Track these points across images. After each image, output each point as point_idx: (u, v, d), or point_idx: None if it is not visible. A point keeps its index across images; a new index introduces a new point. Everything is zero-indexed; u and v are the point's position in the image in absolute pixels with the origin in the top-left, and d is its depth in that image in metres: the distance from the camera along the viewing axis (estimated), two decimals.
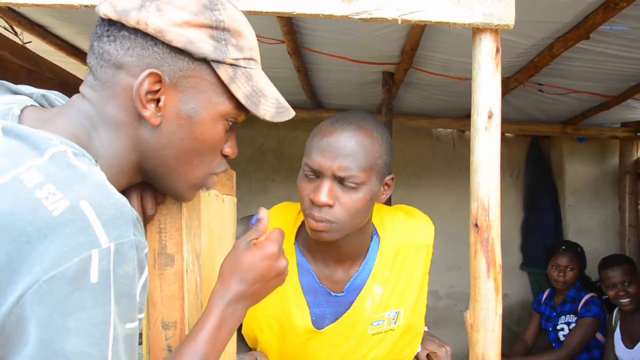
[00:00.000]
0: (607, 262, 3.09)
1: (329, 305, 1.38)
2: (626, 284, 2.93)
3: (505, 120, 4.10)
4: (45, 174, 0.63)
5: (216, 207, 1.23)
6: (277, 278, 0.96)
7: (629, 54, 2.55)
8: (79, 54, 3.08)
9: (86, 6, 1.12)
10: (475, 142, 1.13)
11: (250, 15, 0.97)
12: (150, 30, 0.75)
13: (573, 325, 3.36)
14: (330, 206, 1.19)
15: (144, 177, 0.87)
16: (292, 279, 1.36)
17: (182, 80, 0.78)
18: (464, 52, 2.61)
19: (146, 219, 0.95)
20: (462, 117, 4.06)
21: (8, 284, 0.58)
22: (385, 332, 1.41)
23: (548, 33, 2.32)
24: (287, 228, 1.42)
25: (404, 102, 3.65)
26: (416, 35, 2.35)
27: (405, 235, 1.41)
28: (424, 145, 4.38)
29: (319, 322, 1.38)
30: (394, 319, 1.41)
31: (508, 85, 3.03)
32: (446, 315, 4.27)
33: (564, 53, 2.47)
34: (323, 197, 1.17)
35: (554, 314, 3.50)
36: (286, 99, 0.89)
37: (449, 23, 1.10)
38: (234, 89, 0.80)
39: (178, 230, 1.04)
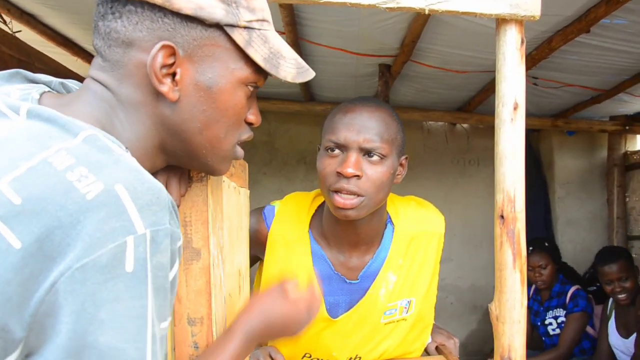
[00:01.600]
0: (603, 258, 3.10)
1: (343, 293, 1.38)
2: (623, 279, 2.96)
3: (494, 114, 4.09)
4: (76, 156, 0.60)
5: (235, 199, 1.21)
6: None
7: (626, 47, 2.58)
8: (69, 45, 3.00)
9: None
10: (500, 133, 1.12)
11: None
12: (158, 0, 0.71)
13: (561, 319, 3.38)
14: (358, 177, 1.21)
15: (168, 159, 0.84)
16: (307, 267, 1.36)
17: (196, 50, 0.74)
18: (463, 45, 2.62)
19: None
20: (454, 110, 4.07)
21: (41, 270, 0.55)
22: (397, 321, 1.42)
23: (549, 26, 2.33)
24: (300, 216, 1.41)
25: (397, 94, 3.64)
26: (418, 26, 2.34)
27: (418, 223, 1.43)
28: (415, 138, 4.39)
29: (333, 311, 1.38)
30: (406, 307, 1.42)
31: None
32: (437, 308, 4.29)
33: (562, 46, 2.49)
34: (352, 167, 1.19)
35: (542, 308, 3.52)
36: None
37: (476, 13, 1.09)
38: (251, 52, 0.76)
39: (204, 224, 1.02)
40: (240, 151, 0.87)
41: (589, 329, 3.36)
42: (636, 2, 2.04)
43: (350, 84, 3.47)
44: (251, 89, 0.81)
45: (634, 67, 2.88)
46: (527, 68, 2.82)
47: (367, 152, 1.22)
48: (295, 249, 1.39)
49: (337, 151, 1.24)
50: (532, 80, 3.19)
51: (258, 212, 1.44)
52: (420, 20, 2.27)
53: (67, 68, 3.03)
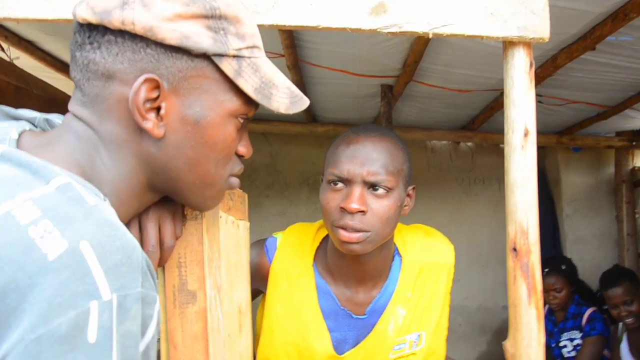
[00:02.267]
0: (607, 282, 3.02)
1: (350, 329, 1.32)
2: (628, 303, 2.89)
3: (499, 132, 4.07)
4: (43, 208, 0.54)
5: (233, 234, 1.15)
6: None
7: (631, 64, 2.54)
8: (68, 70, 2.98)
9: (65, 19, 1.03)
10: (510, 161, 1.07)
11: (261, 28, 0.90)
12: (139, 29, 0.65)
13: (577, 341, 3.28)
14: (363, 213, 1.15)
15: (159, 195, 0.78)
16: (311, 302, 1.31)
17: (182, 82, 0.69)
18: (464, 64, 2.58)
19: (164, 251, 0.86)
20: (458, 128, 4.03)
21: None
22: (407, 356, 1.36)
23: (554, 44, 2.29)
24: (304, 249, 1.36)
25: (400, 114, 3.60)
26: (420, 47, 2.30)
27: (427, 254, 1.38)
28: (419, 157, 4.34)
29: (339, 347, 1.32)
30: (415, 342, 1.36)
31: None
32: None
33: (567, 64, 2.45)
34: (356, 203, 1.14)
35: (556, 329, 3.42)
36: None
37: (482, 36, 1.04)
38: (241, 83, 0.71)
39: (200, 264, 0.97)
40: (234, 181, 0.81)
41: (607, 353, 3.26)
42: None
43: (352, 104, 3.44)
44: (241, 120, 0.75)
45: (639, 84, 2.84)
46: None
47: (372, 186, 1.17)
48: (299, 284, 1.33)
49: (340, 185, 1.19)
50: (537, 99, 3.13)
51: (259, 244, 1.38)
52: (422, 41, 2.23)
53: (65, 93, 3.00)
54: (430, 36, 1.03)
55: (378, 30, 1.01)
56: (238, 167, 0.80)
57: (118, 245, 0.55)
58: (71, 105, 0.72)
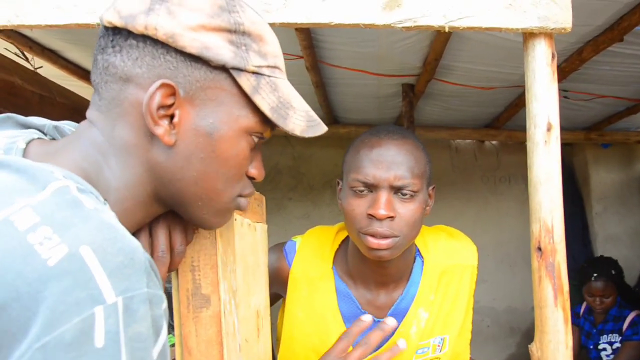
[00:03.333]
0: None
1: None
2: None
3: (525, 129, 3.99)
4: (42, 214, 0.53)
5: (249, 237, 1.14)
6: None
7: None
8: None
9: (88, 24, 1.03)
10: (533, 157, 1.03)
11: (276, 28, 0.88)
12: (161, 35, 0.66)
13: (617, 345, 3.16)
14: (391, 218, 1.12)
15: (165, 207, 0.77)
16: (331, 306, 1.29)
17: (199, 92, 0.68)
18: (485, 60, 2.53)
19: (175, 256, 0.85)
20: (482, 127, 3.96)
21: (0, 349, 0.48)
22: (430, 359, 1.32)
23: (578, 37, 2.22)
24: (323, 252, 1.34)
25: (423, 113, 3.56)
26: (440, 44, 2.26)
27: (449, 256, 1.34)
28: (443, 157, 4.28)
29: None
30: (439, 345, 1.32)
31: None
32: (473, 331, 4.13)
33: (593, 57, 2.37)
34: (384, 209, 1.11)
35: (594, 330, 3.30)
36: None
37: (501, 29, 1.01)
38: (257, 100, 0.70)
39: (214, 268, 0.95)
40: (243, 203, 0.79)
41: None
42: None
43: (373, 105, 3.40)
44: (256, 139, 0.74)
45: None
46: (557, 81, 2.70)
47: (398, 190, 1.14)
48: (319, 287, 1.31)
49: (365, 191, 1.15)
50: (562, 94, 3.07)
51: (278, 248, 1.37)
52: (442, 38, 2.19)
53: (88, 100, 3.05)
54: (447, 29, 1.00)
55: (392, 25, 0.98)
56: (248, 190, 0.78)
57: (119, 247, 0.54)
58: (88, 111, 0.72)
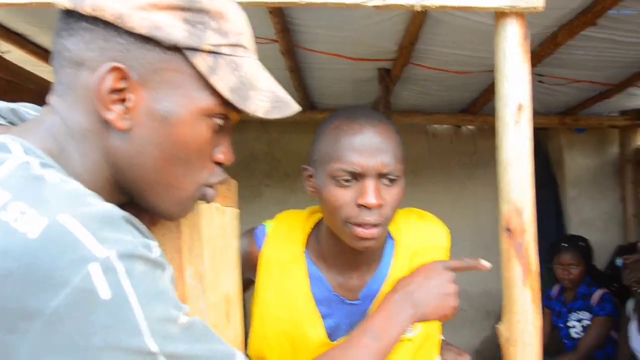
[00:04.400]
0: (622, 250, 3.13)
1: (344, 315, 1.29)
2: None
3: None
4: (10, 190, 0.53)
5: (218, 221, 1.12)
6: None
7: (634, 39, 2.47)
8: None
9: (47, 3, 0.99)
10: (503, 138, 1.02)
11: (248, 9, 0.85)
12: (108, 16, 0.64)
13: (585, 322, 3.28)
14: (381, 206, 1.11)
15: (127, 196, 0.75)
16: (303, 290, 1.28)
17: (153, 75, 0.66)
18: (463, 45, 2.53)
19: None
20: (458, 112, 3.97)
21: (9, 331, 0.50)
22: (402, 341, 1.32)
23: (553, 20, 2.23)
24: (295, 236, 1.32)
25: (399, 98, 3.55)
26: (415, 28, 2.25)
27: (421, 238, 1.34)
28: (420, 142, 4.28)
29: (333, 335, 1.29)
30: (410, 327, 1.32)
31: None
32: None
33: (567, 41, 2.38)
34: (375, 198, 1.09)
35: (564, 309, 3.43)
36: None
37: (472, 7, 1.00)
38: (214, 80, 0.67)
39: (178, 252, 0.93)
40: (210, 193, 0.77)
41: (614, 334, 3.24)
42: None
43: (350, 89, 3.39)
44: (219, 122, 0.71)
45: None
46: (532, 65, 2.70)
47: (383, 176, 1.12)
48: (290, 271, 1.29)
49: (350, 180, 1.13)
50: (537, 78, 3.08)
51: (249, 233, 1.35)
52: (417, 21, 2.18)
53: None
54: (419, 9, 0.98)
55: (361, 4, 0.96)
56: (216, 178, 0.76)
57: (94, 210, 0.56)
58: (49, 96, 0.70)
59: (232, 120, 0.73)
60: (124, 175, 0.70)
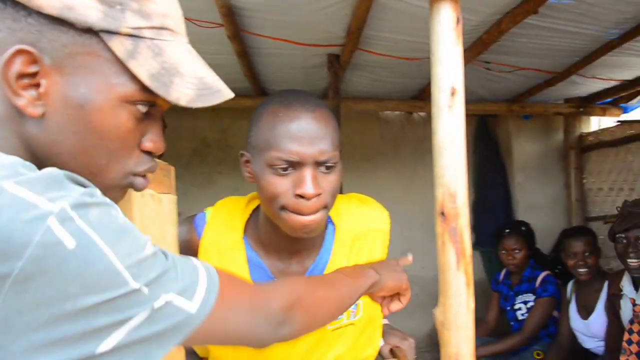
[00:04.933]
0: (570, 232, 3.15)
1: None
2: (586, 254, 2.98)
3: None
4: None
5: (152, 208, 1.09)
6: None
7: (574, 28, 2.54)
8: None
9: None
10: (437, 122, 1.02)
11: None
12: None
13: (531, 304, 3.39)
14: (319, 195, 1.09)
15: None
16: (243, 275, 1.25)
17: (67, 59, 0.62)
18: (411, 31, 2.53)
19: None
20: (409, 98, 4.00)
21: None
22: (345, 326, 1.32)
23: (497, 8, 2.25)
24: (234, 222, 1.30)
25: (350, 85, 3.54)
26: (362, 13, 2.23)
27: (361, 222, 1.34)
28: (371, 129, 4.30)
29: None
30: (353, 311, 1.33)
31: None
32: None
33: (511, 29, 2.42)
34: (314, 187, 1.07)
35: (511, 293, 3.53)
36: (228, 87, 0.71)
37: None
38: (133, 66, 0.63)
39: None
40: (139, 182, 0.73)
41: (557, 314, 3.36)
42: None
43: (300, 76, 3.36)
44: (142, 109, 0.67)
45: (583, 48, 2.84)
46: (479, 52, 2.76)
47: (321, 165, 1.10)
48: (229, 258, 1.27)
49: (287, 168, 1.09)
50: (485, 65, 3.13)
51: (189, 220, 1.32)
52: (363, 7, 2.16)
53: None
54: None
55: None
56: (145, 166, 0.72)
57: (35, 174, 0.56)
58: None
59: (160, 106, 0.70)
60: (43, 163, 0.65)
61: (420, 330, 4.14)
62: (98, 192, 0.59)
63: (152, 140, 0.71)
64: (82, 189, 0.57)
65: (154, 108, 0.69)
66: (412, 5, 2.15)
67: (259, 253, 1.28)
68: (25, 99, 0.61)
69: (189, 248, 1.29)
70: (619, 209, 2.73)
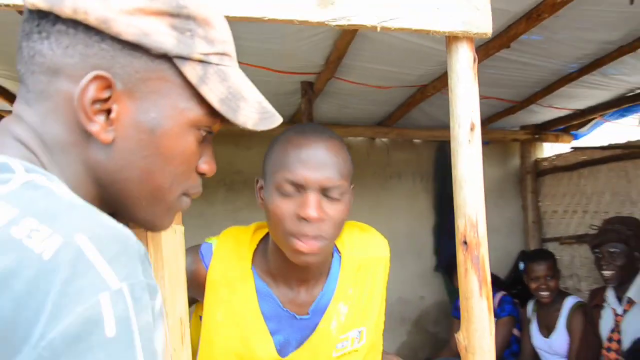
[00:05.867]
0: (532, 256, 3.26)
1: (294, 331, 1.29)
2: (548, 278, 3.11)
3: (415, 127, 4.16)
4: (18, 205, 0.49)
5: (171, 240, 1.08)
6: None
7: (539, 62, 2.69)
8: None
9: (7, 5, 0.91)
10: (457, 156, 1.08)
11: None
12: (92, 20, 0.59)
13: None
14: (321, 220, 1.10)
15: (109, 210, 0.70)
16: (252, 307, 1.26)
17: (139, 85, 0.62)
18: (386, 60, 2.61)
19: None
20: (374, 124, 4.09)
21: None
22: (349, 352, 1.35)
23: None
24: (241, 253, 1.31)
25: (319, 111, 3.59)
26: (345, 43, 2.30)
27: (364, 250, 1.38)
28: None
29: (283, 350, 1.29)
30: (357, 338, 1.35)
31: (425, 92, 3.08)
32: None
33: (483, 61, 2.54)
34: (316, 211, 1.09)
35: None
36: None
37: (429, 31, 1.04)
38: (205, 91, 0.65)
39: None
40: (185, 202, 0.74)
41: (516, 332, 3.46)
42: (552, 19, 2.11)
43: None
44: (204, 133, 0.69)
45: (545, 80, 3.02)
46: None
47: (327, 191, 1.13)
48: (238, 289, 1.27)
49: (293, 192, 1.13)
50: None
51: (194, 251, 1.31)
52: (347, 37, 2.23)
53: None
54: (378, 29, 1.01)
55: (326, 22, 0.98)
56: (196, 189, 0.73)
57: (113, 234, 0.51)
58: (15, 104, 0.64)
59: (214, 130, 0.71)
60: (107, 190, 0.66)
61: (386, 349, 4.19)
62: (159, 291, 0.55)
63: (208, 162, 0.72)
64: (150, 281, 0.52)
65: (209, 135, 0.71)
66: (395, 38, 2.23)
67: (268, 283, 1.29)
68: (98, 125, 0.61)
69: (195, 279, 1.28)
70: (594, 227, 2.90)
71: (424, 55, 2.50)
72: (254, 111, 0.69)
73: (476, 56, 1.09)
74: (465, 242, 1.05)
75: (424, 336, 4.47)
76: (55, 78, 0.61)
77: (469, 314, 1.04)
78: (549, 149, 4.46)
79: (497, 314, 3.40)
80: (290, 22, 0.97)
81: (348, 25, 1.00)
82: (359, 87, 3.03)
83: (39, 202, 0.50)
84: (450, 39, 1.10)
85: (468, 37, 1.08)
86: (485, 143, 4.35)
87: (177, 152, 0.66)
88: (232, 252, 1.30)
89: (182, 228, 1.16)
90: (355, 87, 3.05)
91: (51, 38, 0.60)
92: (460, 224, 1.06)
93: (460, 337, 1.06)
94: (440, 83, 2.90)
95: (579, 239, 3.86)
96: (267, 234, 1.31)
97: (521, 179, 4.41)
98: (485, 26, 1.07)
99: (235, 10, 0.96)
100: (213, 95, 0.65)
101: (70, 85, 0.60)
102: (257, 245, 1.32)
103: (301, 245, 1.11)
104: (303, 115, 3.19)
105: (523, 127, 4.22)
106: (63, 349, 0.44)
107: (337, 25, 1.00)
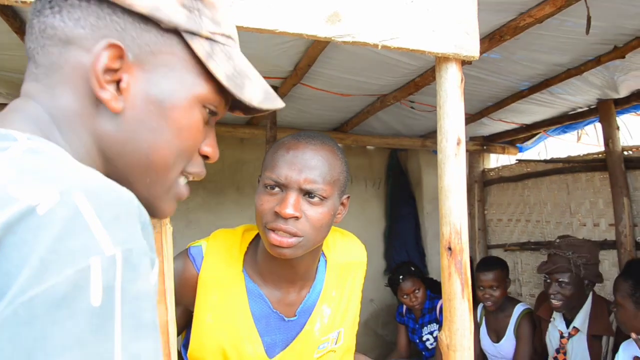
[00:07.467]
0: (481, 266, 3.28)
1: (281, 332, 1.33)
2: (494, 288, 3.16)
3: (370, 134, 4.23)
4: (19, 166, 0.48)
5: (170, 240, 1.11)
6: None
7: (494, 78, 2.84)
8: None
9: (24, 2, 0.92)
10: (444, 168, 1.16)
11: None
12: None
13: (437, 332, 3.52)
14: (296, 218, 1.16)
15: None
16: (242, 307, 1.29)
17: (149, 57, 0.63)
18: (352, 70, 2.69)
19: None
20: (330, 130, 4.16)
21: None
22: (327, 352, 1.40)
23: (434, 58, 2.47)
24: (232, 254, 1.34)
25: (277, 115, 3.62)
26: (316, 51, 2.35)
27: (345, 254, 1.44)
28: None
29: (270, 351, 1.32)
30: (335, 339, 1.41)
31: (385, 102, 3.18)
32: None
33: None
34: (290, 208, 1.14)
35: (417, 326, 3.66)
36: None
37: (424, 51, 1.12)
38: (212, 66, 0.66)
39: (161, 275, 0.93)
40: (184, 190, 0.74)
41: None
42: (511, 41, 2.25)
43: None
44: (209, 112, 0.70)
45: (497, 95, 3.19)
46: (410, 93, 2.98)
47: (308, 193, 1.18)
48: (229, 290, 1.30)
49: (276, 189, 1.18)
50: (409, 104, 3.37)
51: (183, 254, 1.33)
52: (320, 46, 2.28)
53: None
54: (380, 47, 1.08)
55: (333, 38, 1.04)
56: (198, 169, 0.74)
57: (114, 196, 0.49)
58: (23, 85, 0.65)
59: (218, 114, 0.73)
60: (113, 164, 0.66)
61: None
62: (157, 263, 0.53)
63: (211, 145, 0.74)
64: (148, 250, 0.50)
65: (213, 117, 0.72)
66: (366, 50, 2.30)
67: (258, 283, 1.32)
68: (109, 93, 0.61)
69: (185, 281, 1.29)
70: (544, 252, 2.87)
71: (390, 67, 2.59)
72: (259, 90, 0.71)
73: (464, 77, 1.18)
74: (449, 248, 1.13)
75: (372, 338, 4.58)
76: (66, 49, 0.62)
77: (452, 314, 1.13)
78: (496, 160, 4.67)
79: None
80: (300, 35, 1.02)
81: (353, 42, 1.06)
82: (322, 93, 3.09)
83: (40, 164, 0.50)
84: (441, 59, 1.18)
85: (457, 59, 1.16)
86: (434, 152, 4.55)
87: (183, 126, 0.67)
88: (223, 254, 1.33)
89: (171, 228, 1.18)
90: (317, 93, 3.10)
91: (63, 11, 0.62)
92: (445, 231, 1.14)
93: (443, 336, 1.14)
94: (401, 93, 3.01)
95: (522, 246, 4.07)
96: (257, 235, 1.35)
97: (469, 188, 4.59)
98: (473, 50, 1.15)
99: (249, 21, 1.00)
100: (220, 70, 0.66)
101: (82, 53, 0.61)
102: (248, 246, 1.36)
103: (275, 238, 1.16)
104: (268, 119, 3.22)
105: (472, 139, 4.40)
106: (43, 311, 0.41)
107: (343, 42, 1.06)
